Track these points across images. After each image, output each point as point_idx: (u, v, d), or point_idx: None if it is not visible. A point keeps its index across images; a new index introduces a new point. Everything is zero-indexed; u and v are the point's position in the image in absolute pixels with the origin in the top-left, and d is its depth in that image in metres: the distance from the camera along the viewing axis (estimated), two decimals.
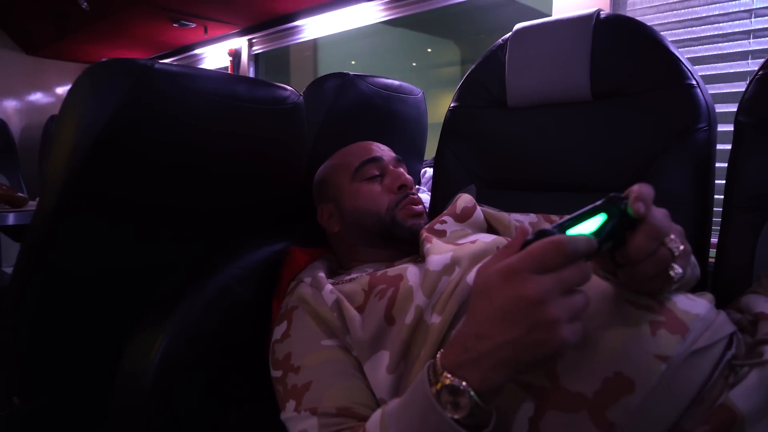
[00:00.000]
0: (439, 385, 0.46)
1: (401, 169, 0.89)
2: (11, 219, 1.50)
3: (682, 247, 0.51)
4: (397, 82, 1.27)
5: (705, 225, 0.87)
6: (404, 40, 3.67)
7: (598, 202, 0.49)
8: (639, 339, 0.52)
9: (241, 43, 2.46)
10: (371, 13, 1.86)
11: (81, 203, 0.74)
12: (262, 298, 0.89)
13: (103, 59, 0.70)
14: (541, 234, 0.45)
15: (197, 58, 2.83)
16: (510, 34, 1.07)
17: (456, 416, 0.45)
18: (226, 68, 2.60)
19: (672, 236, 0.50)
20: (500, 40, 1.09)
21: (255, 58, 2.50)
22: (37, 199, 2.04)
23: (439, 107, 1.17)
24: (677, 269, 0.51)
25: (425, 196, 1.21)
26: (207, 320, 0.82)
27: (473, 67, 1.14)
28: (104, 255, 0.84)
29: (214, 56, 2.75)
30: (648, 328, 0.53)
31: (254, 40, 2.42)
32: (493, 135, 1.09)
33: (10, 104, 2.98)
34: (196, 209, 0.90)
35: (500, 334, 0.43)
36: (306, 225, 1.01)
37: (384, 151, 0.91)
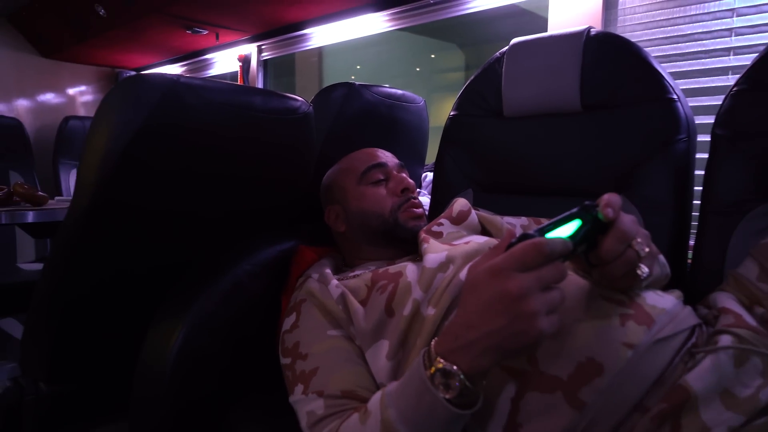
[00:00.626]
0: (433, 369, 0.53)
1: (404, 174, 0.96)
2: (31, 217, 1.57)
3: (647, 249, 0.58)
4: (400, 91, 1.34)
5: (684, 229, 0.93)
6: (409, 45, 3.72)
7: (574, 210, 0.56)
8: (609, 329, 0.59)
9: (250, 49, 2.54)
10: (377, 24, 1.92)
11: (110, 205, 0.81)
12: (272, 292, 0.95)
13: (133, 73, 0.77)
14: (523, 237, 0.51)
15: (208, 63, 2.91)
16: (507, 48, 1.14)
17: (447, 396, 0.52)
18: (235, 73, 2.68)
19: (638, 239, 0.57)
20: (497, 53, 1.16)
21: (264, 64, 2.58)
22: (55, 197, 2.12)
23: (442, 111, 1.23)
24: (644, 269, 0.58)
25: (425, 199, 1.28)
26: (221, 312, 0.89)
27: (472, 78, 1.21)
28: (130, 253, 0.90)
29: (224, 61, 2.82)
30: (618, 320, 0.60)
31: (263, 47, 2.50)
32: (489, 142, 1.15)
33: (26, 105, 3.07)
34: (216, 213, 0.96)
35: (486, 324, 0.50)
36: (313, 225, 1.07)
37: (388, 156, 0.98)
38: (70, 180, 2.87)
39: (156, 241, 0.92)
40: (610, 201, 0.55)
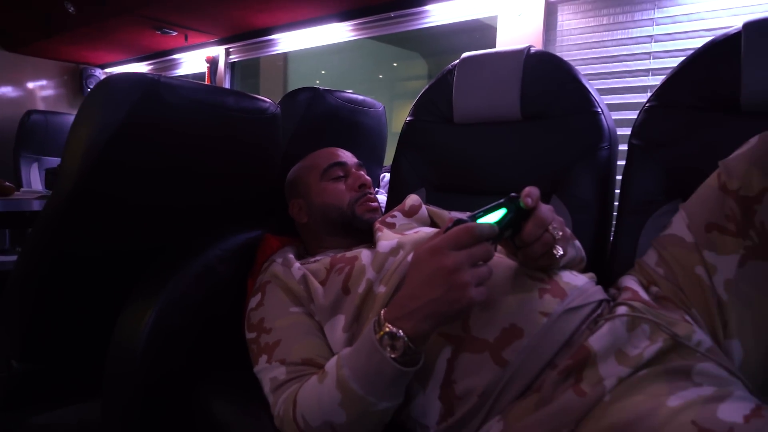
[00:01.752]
0: (381, 333, 0.63)
1: (362, 172, 1.06)
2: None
3: (561, 233, 0.70)
4: (361, 97, 1.44)
5: (605, 224, 1.07)
6: (374, 53, 3.83)
7: (501, 200, 0.67)
8: (530, 300, 0.71)
9: (218, 51, 2.60)
10: (342, 32, 2.02)
11: (90, 194, 0.87)
12: (239, 276, 1.04)
13: (98, 69, 0.85)
14: (458, 222, 0.62)
15: (175, 63, 2.94)
16: (458, 61, 1.26)
17: (393, 355, 0.62)
18: (202, 74, 2.73)
19: (554, 225, 0.69)
20: (450, 65, 1.28)
21: (231, 66, 2.64)
22: (22, 189, 2.12)
23: (403, 116, 1.34)
24: (559, 249, 0.70)
25: (383, 197, 1.38)
26: (192, 293, 0.96)
27: (427, 87, 1.33)
28: (107, 239, 0.97)
29: (192, 62, 2.87)
30: (537, 293, 0.71)
31: (231, 50, 2.57)
32: (441, 146, 1.27)
33: None
34: (189, 204, 1.04)
35: (427, 294, 0.60)
36: (279, 217, 1.16)
37: (347, 156, 1.08)
38: (30, 174, 2.85)
39: (131, 228, 0.99)
40: (530, 192, 0.67)
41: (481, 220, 0.64)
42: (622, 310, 0.70)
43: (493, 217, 0.66)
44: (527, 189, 0.68)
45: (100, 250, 0.98)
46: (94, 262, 0.99)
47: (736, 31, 0.94)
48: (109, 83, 0.83)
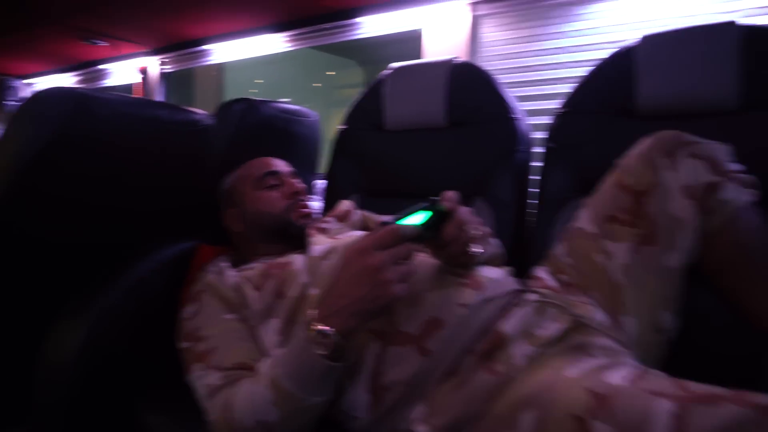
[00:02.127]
0: (311, 331, 0.67)
1: (295, 180, 1.09)
2: None
3: (478, 233, 0.76)
4: (295, 107, 1.47)
5: (522, 221, 1.15)
6: (311, 62, 3.86)
7: (424, 204, 0.73)
8: (450, 294, 0.77)
9: (151, 61, 2.55)
10: (277, 43, 2.05)
11: (22, 201, 0.86)
12: (174, 287, 1.04)
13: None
14: (383, 224, 0.67)
15: (103, 73, 2.86)
16: (388, 71, 1.32)
17: (323, 352, 0.66)
18: (130, 85, 2.67)
19: (472, 225, 0.75)
20: (380, 75, 1.34)
21: (164, 76, 2.60)
22: None
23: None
24: (477, 248, 0.76)
25: (319, 204, 1.42)
26: (125, 307, 0.96)
27: (359, 96, 1.38)
28: (38, 248, 0.95)
29: (123, 72, 2.79)
30: (457, 287, 0.77)
31: (164, 60, 2.53)
32: (373, 153, 1.33)
33: None
34: (122, 215, 1.04)
35: (353, 293, 0.65)
36: (213, 227, 1.17)
37: (281, 165, 1.11)
38: None
39: (64, 240, 0.97)
40: (449, 196, 0.73)
41: (405, 222, 0.69)
42: (531, 297, 0.77)
43: (416, 219, 0.71)
44: (447, 193, 0.74)
45: (30, 261, 0.96)
46: (21, 275, 0.97)
47: (635, 44, 1.05)
48: (39, 98, 0.83)
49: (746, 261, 0.77)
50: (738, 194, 0.75)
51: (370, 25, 1.75)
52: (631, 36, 1.09)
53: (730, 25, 0.96)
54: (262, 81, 3.90)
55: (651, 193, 0.75)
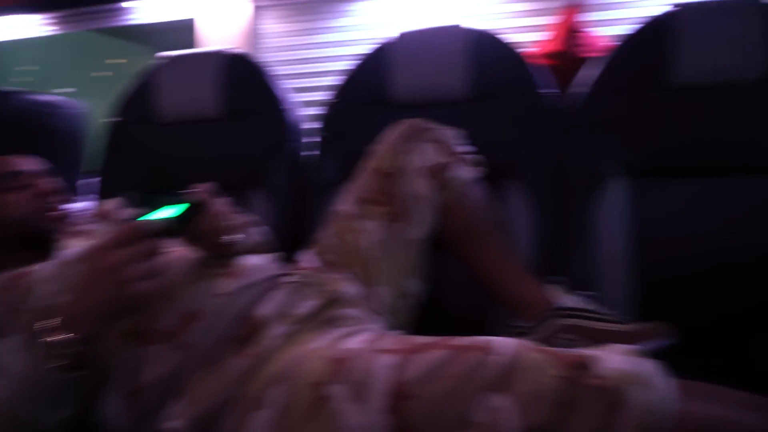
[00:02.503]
0: (49, 341, 0.62)
1: (45, 180, 0.99)
2: None
3: (231, 223, 0.78)
4: (56, 98, 1.34)
5: (301, 209, 1.19)
6: (97, 47, 3.48)
7: (174, 197, 0.71)
8: (206, 286, 0.77)
9: None
10: (35, 26, 1.82)
11: None
12: None
13: None
14: (123, 222, 0.65)
15: None
16: (156, 60, 1.26)
17: (61, 363, 0.60)
18: None
19: (227, 216, 0.76)
20: (152, 64, 1.27)
21: None
22: None
23: None
24: (233, 237, 0.78)
25: (85, 205, 1.31)
26: None
27: (129, 87, 1.30)
28: None
29: None
30: (215, 278, 0.78)
31: None
32: (147, 147, 1.26)
33: None
34: None
35: (93, 295, 0.62)
36: None
37: (27, 163, 1.00)
38: None
39: None
40: (202, 188, 0.73)
41: (154, 217, 0.68)
42: (292, 279, 0.81)
43: (168, 213, 0.69)
44: (200, 186, 0.74)
45: None
46: None
47: (392, 40, 1.16)
48: None
49: (474, 230, 0.91)
50: (464, 172, 0.88)
51: (142, 12, 1.65)
52: (391, 33, 1.19)
53: (456, 28, 1.12)
54: (36, 68, 3.41)
55: (396, 175, 0.84)
